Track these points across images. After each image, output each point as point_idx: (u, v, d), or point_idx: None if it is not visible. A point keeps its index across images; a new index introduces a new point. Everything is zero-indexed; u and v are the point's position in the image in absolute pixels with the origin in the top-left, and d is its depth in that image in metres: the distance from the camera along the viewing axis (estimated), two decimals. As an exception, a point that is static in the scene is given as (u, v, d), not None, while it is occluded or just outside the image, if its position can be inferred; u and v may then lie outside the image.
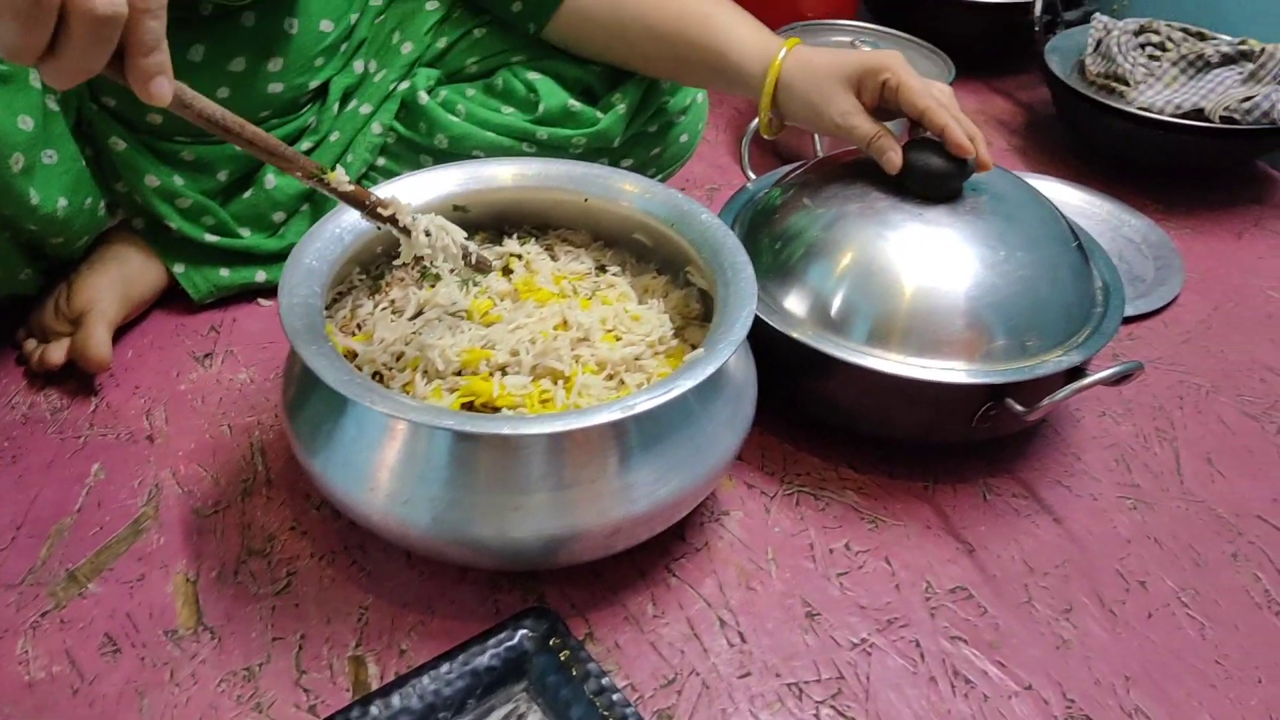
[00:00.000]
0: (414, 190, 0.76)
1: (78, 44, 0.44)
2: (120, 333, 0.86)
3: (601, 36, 0.89)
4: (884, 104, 0.79)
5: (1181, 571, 0.74)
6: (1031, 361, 0.73)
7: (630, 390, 0.68)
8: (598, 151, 0.93)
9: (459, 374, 0.68)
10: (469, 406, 0.66)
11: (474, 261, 0.70)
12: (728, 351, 0.62)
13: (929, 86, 0.78)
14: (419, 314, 0.73)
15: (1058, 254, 0.78)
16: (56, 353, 0.80)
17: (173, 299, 0.90)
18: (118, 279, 0.83)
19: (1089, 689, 0.66)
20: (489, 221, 0.81)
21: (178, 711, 0.60)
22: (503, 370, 0.68)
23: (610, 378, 0.69)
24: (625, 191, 0.77)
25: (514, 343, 0.69)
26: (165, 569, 0.68)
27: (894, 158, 0.77)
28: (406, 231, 0.65)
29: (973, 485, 0.79)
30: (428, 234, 0.66)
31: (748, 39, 0.83)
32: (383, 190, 0.71)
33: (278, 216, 0.90)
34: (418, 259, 0.78)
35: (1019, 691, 0.65)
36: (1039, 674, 0.66)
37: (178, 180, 0.85)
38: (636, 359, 0.70)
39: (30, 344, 0.82)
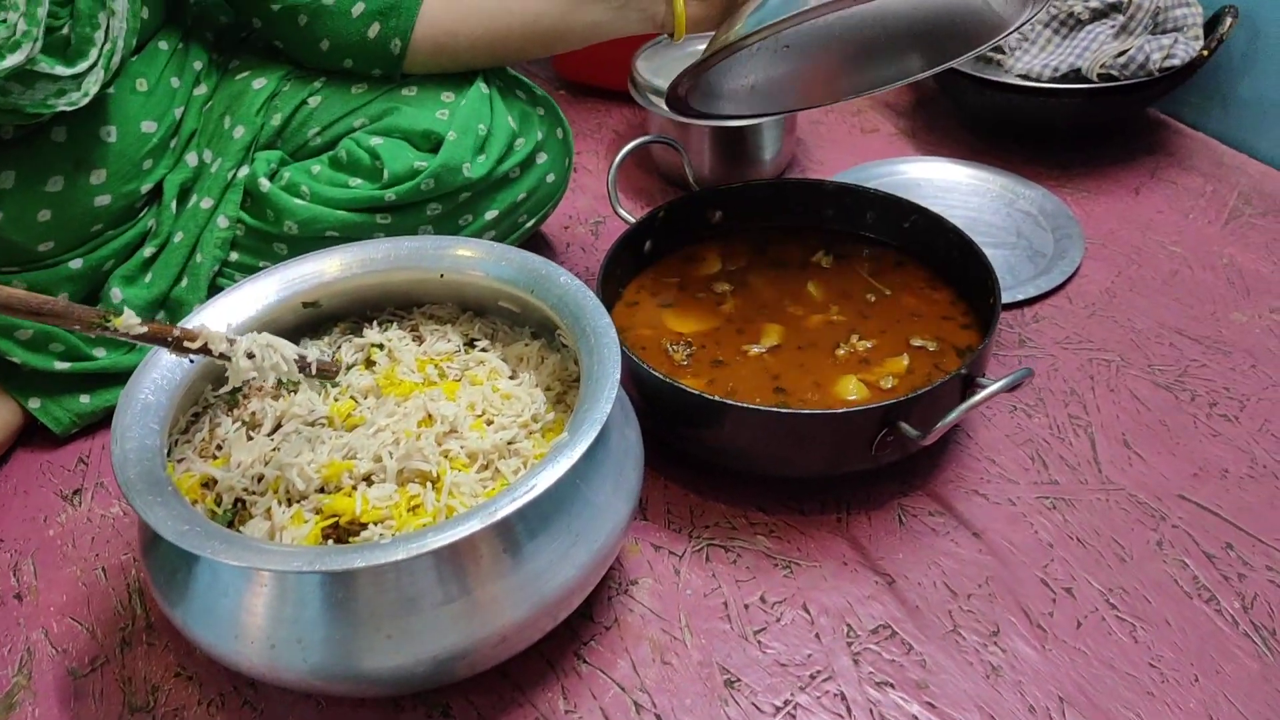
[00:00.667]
0: (256, 294, 0.72)
1: None
2: (-19, 481, 0.81)
3: (479, 16, 0.85)
4: None
5: (1107, 570, 0.71)
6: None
7: (507, 479, 0.65)
8: (457, 207, 0.88)
9: (323, 490, 0.64)
10: (335, 527, 0.62)
11: (314, 371, 0.65)
12: (593, 432, 0.59)
13: None
14: (278, 427, 0.69)
15: None
16: (-93, 518, 0.75)
17: (34, 434, 0.85)
18: (-37, 429, 0.78)
19: (1023, 718, 0.63)
20: (351, 309, 0.77)
21: None
22: (368, 480, 0.64)
23: (484, 468, 0.66)
24: (475, 261, 0.73)
25: (376, 448, 0.65)
26: (41, 745, 0.64)
27: None
28: (225, 358, 0.61)
29: (887, 510, 0.76)
30: (250, 356, 0.62)
31: None
32: (193, 318, 0.69)
33: None
34: None
35: (951, 733, 0.63)
36: (970, 709, 0.64)
37: None
38: (510, 443, 0.67)
39: (-119, 511, 0.77)
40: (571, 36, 0.88)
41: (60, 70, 0.71)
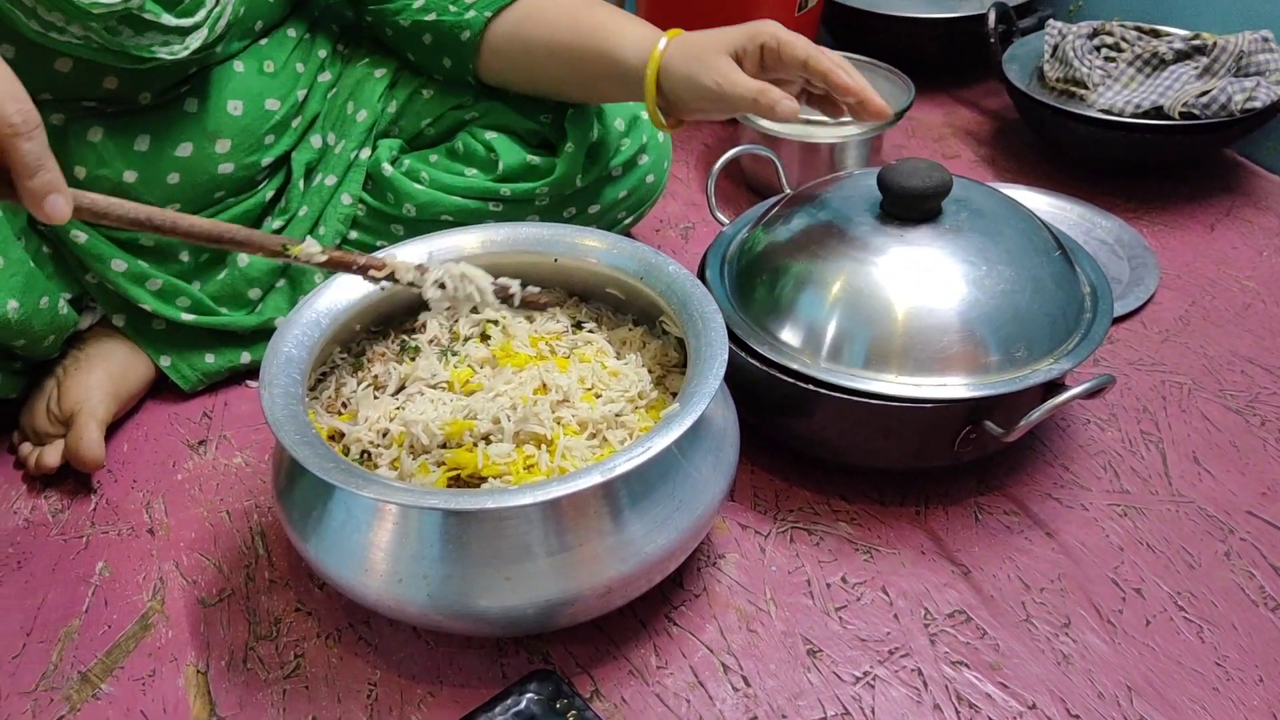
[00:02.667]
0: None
1: None
2: (114, 427, 0.87)
3: (519, 70, 0.91)
4: (768, 69, 0.80)
5: (1176, 575, 0.75)
6: (1016, 374, 0.74)
7: (614, 447, 0.69)
8: (563, 199, 0.94)
9: (444, 446, 0.69)
10: (456, 479, 0.67)
11: (519, 303, 0.67)
12: (702, 404, 0.63)
13: (810, 43, 0.79)
14: (401, 389, 0.75)
15: (1039, 264, 0.78)
16: (51, 455, 0.81)
17: (163, 389, 0.92)
18: (105, 376, 0.85)
19: (1092, 703, 0.66)
20: (465, 288, 0.83)
21: (195, 807, 0.61)
22: (486, 439, 0.69)
23: (593, 436, 0.71)
24: (592, 249, 0.79)
25: (495, 411, 0.70)
26: (175, 662, 0.70)
27: (788, 105, 0.77)
28: (414, 286, 0.65)
29: (964, 506, 0.80)
30: (441, 286, 0.65)
31: (633, 35, 0.84)
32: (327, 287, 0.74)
33: (254, 293, 0.92)
34: (398, 336, 0.79)
35: (1023, 711, 0.66)
36: (1042, 692, 0.67)
37: (143, 264, 0.86)
38: (618, 415, 0.71)
39: (25, 448, 0.84)
40: (594, 98, 0.93)
41: (167, 20, 0.77)
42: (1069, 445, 0.86)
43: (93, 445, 0.80)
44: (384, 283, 0.64)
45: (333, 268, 0.62)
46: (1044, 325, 0.76)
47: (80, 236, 0.84)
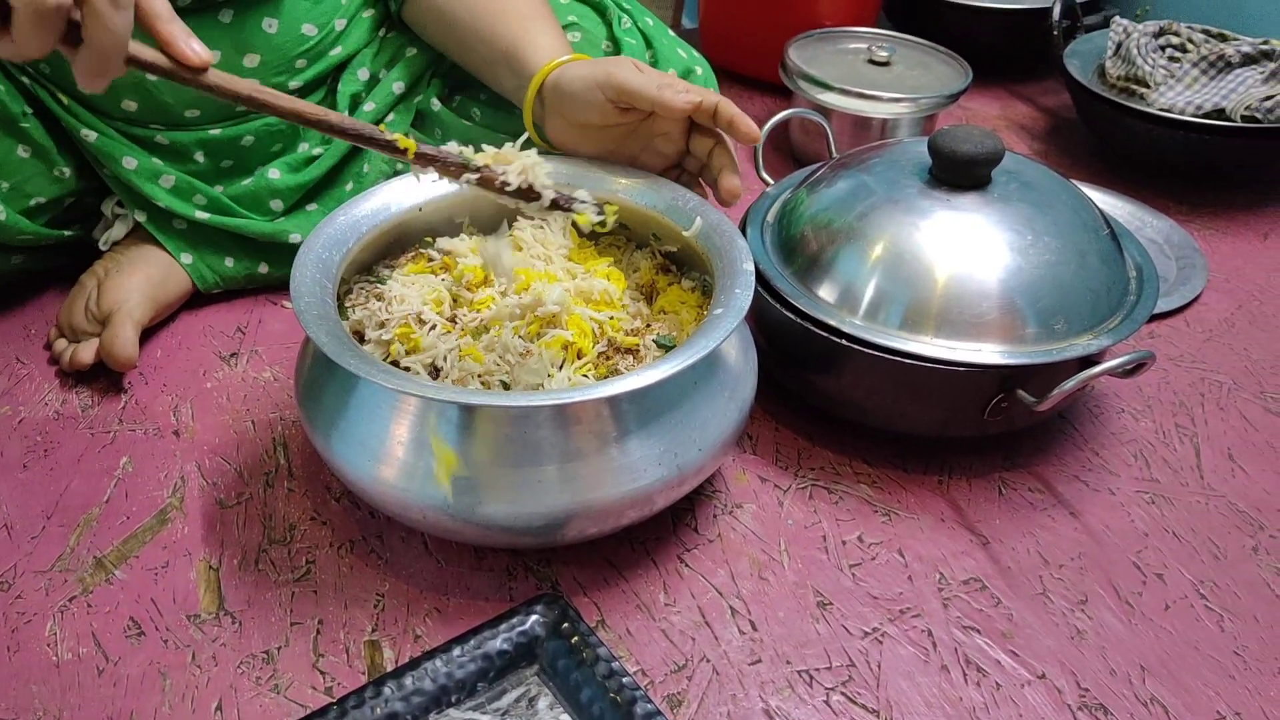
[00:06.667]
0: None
1: (22, 30, 0.48)
2: (150, 333, 0.88)
3: (435, 25, 0.89)
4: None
5: (1200, 565, 0.73)
6: (1053, 346, 0.73)
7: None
8: None
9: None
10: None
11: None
12: (720, 336, 0.63)
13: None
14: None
15: (1086, 240, 0.77)
16: (86, 352, 0.82)
17: (200, 302, 0.92)
18: (144, 280, 0.85)
19: (1104, 678, 0.65)
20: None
21: (199, 692, 0.62)
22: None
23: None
24: (622, 185, 0.78)
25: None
26: (189, 556, 0.70)
27: (691, 96, 0.73)
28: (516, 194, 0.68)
29: (988, 480, 0.79)
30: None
31: (545, 41, 0.81)
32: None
33: (275, 204, 0.92)
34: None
35: (1032, 680, 0.65)
36: (1053, 663, 0.66)
37: (156, 161, 0.87)
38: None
39: (61, 344, 0.85)
40: (485, 81, 0.89)
41: None
42: (1101, 432, 0.84)
43: (127, 344, 0.81)
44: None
45: (440, 171, 0.62)
46: (1086, 301, 0.75)
47: (90, 136, 0.85)
